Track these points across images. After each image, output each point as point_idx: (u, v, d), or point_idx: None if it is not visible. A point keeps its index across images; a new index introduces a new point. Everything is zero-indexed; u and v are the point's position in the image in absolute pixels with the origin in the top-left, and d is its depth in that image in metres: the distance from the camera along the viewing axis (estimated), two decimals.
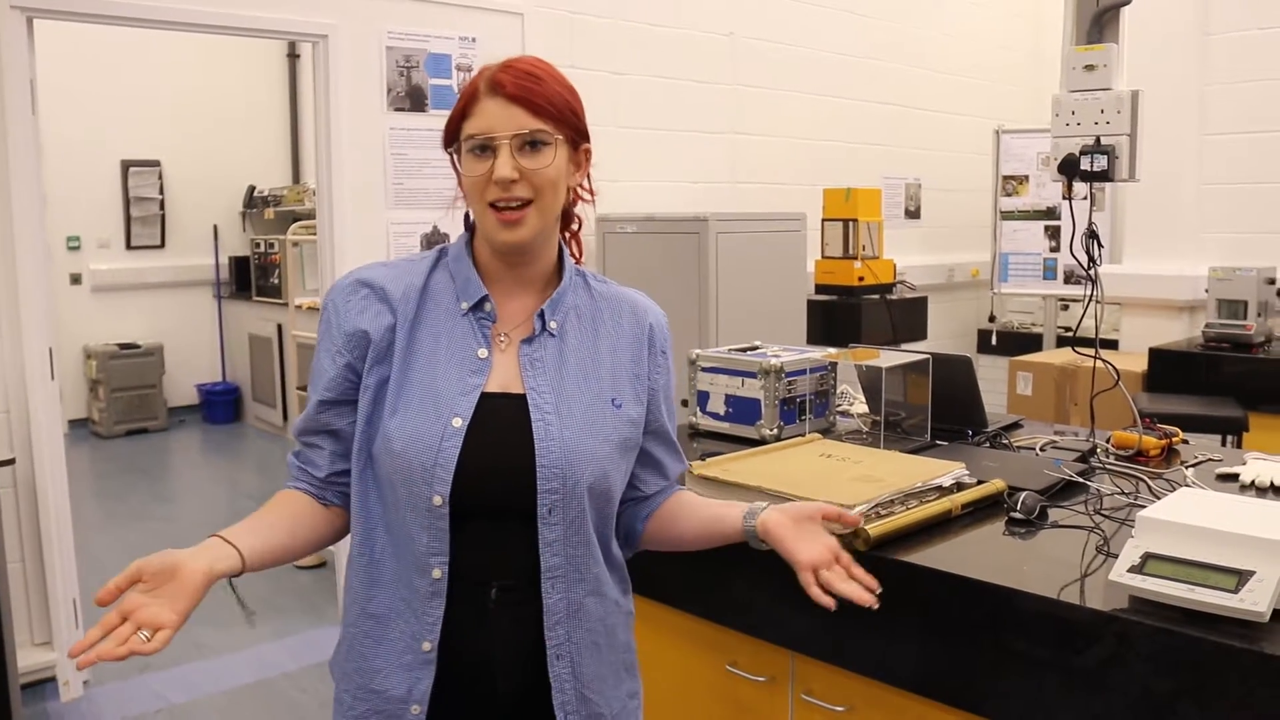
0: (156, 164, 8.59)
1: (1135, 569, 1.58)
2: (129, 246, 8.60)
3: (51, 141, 7.99)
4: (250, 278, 8.69)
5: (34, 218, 3.67)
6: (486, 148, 1.42)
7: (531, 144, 1.42)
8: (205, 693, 3.86)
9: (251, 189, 8.94)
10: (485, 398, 1.47)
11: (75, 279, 8.39)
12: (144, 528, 5.94)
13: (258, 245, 8.59)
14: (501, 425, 1.46)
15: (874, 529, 1.89)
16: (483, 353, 1.49)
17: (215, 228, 8.95)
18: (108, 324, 8.46)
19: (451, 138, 1.49)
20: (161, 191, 8.64)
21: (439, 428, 1.43)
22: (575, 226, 1.62)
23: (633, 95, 5.22)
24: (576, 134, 1.49)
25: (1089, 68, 2.40)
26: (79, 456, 7.78)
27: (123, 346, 8.34)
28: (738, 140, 5.77)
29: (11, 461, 3.52)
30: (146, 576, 1.31)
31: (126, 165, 8.47)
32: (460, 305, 1.51)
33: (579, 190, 1.57)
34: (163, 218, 8.69)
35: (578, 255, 1.63)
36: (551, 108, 1.43)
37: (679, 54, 5.42)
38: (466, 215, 1.55)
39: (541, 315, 1.52)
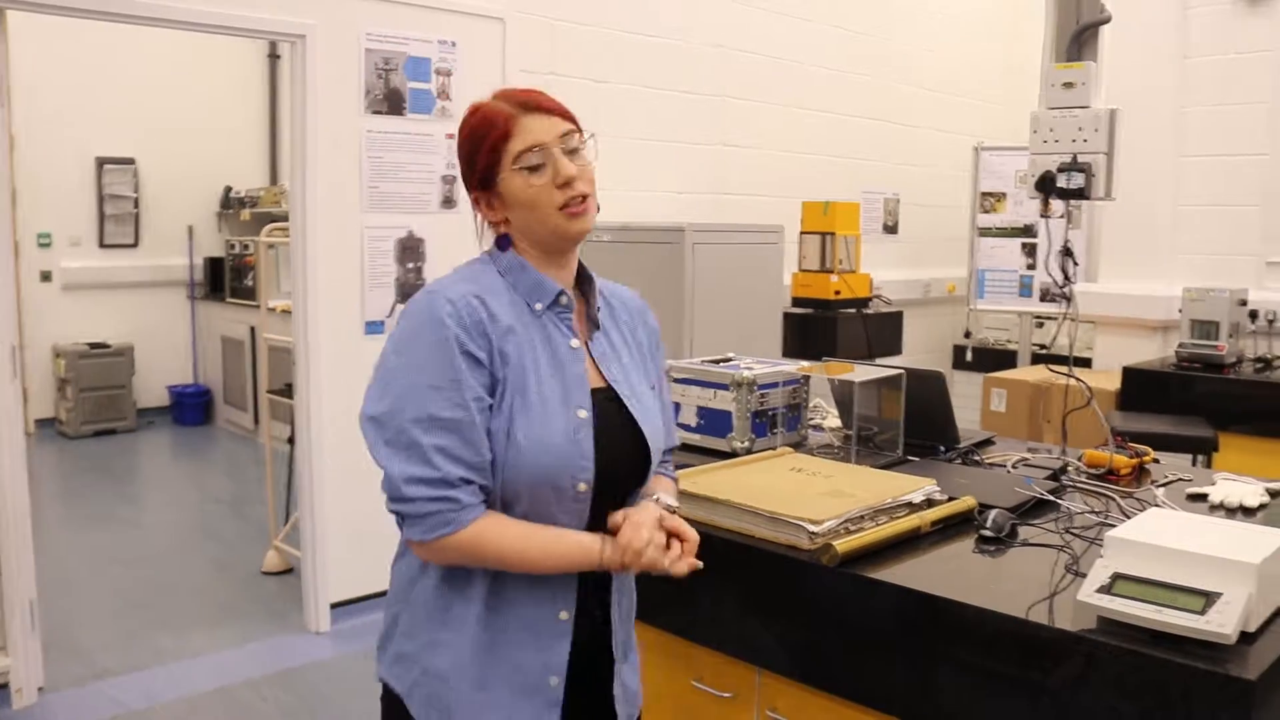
0: (132, 162, 8.51)
1: (1104, 589, 1.56)
2: (101, 245, 8.50)
3: (24, 136, 7.92)
4: (224, 279, 8.62)
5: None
6: (540, 163, 1.56)
7: (573, 149, 1.59)
8: (164, 699, 3.79)
9: (228, 189, 8.87)
10: (592, 392, 1.61)
11: (45, 276, 8.28)
12: (108, 529, 5.87)
13: (233, 246, 8.52)
14: (611, 415, 1.62)
15: (842, 545, 1.87)
16: (574, 343, 1.62)
17: (190, 228, 8.87)
18: (78, 323, 8.36)
19: (492, 168, 1.58)
20: (136, 190, 8.56)
21: (569, 423, 1.55)
22: None
23: (614, 103, 5.20)
24: (590, 137, 1.65)
25: (1068, 85, 2.40)
26: (45, 457, 7.69)
27: (92, 346, 8.25)
28: (720, 151, 5.76)
29: None
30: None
31: (101, 162, 8.39)
32: (534, 307, 1.61)
33: None
34: (137, 216, 8.60)
35: None
36: (571, 114, 1.62)
37: (663, 63, 5.41)
38: (498, 240, 1.65)
39: (594, 312, 1.68)
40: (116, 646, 4.23)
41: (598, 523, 1.57)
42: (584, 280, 1.70)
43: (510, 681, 1.57)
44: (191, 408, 8.74)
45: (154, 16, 3.83)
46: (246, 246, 8.21)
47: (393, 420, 1.49)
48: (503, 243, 1.64)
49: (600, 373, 1.65)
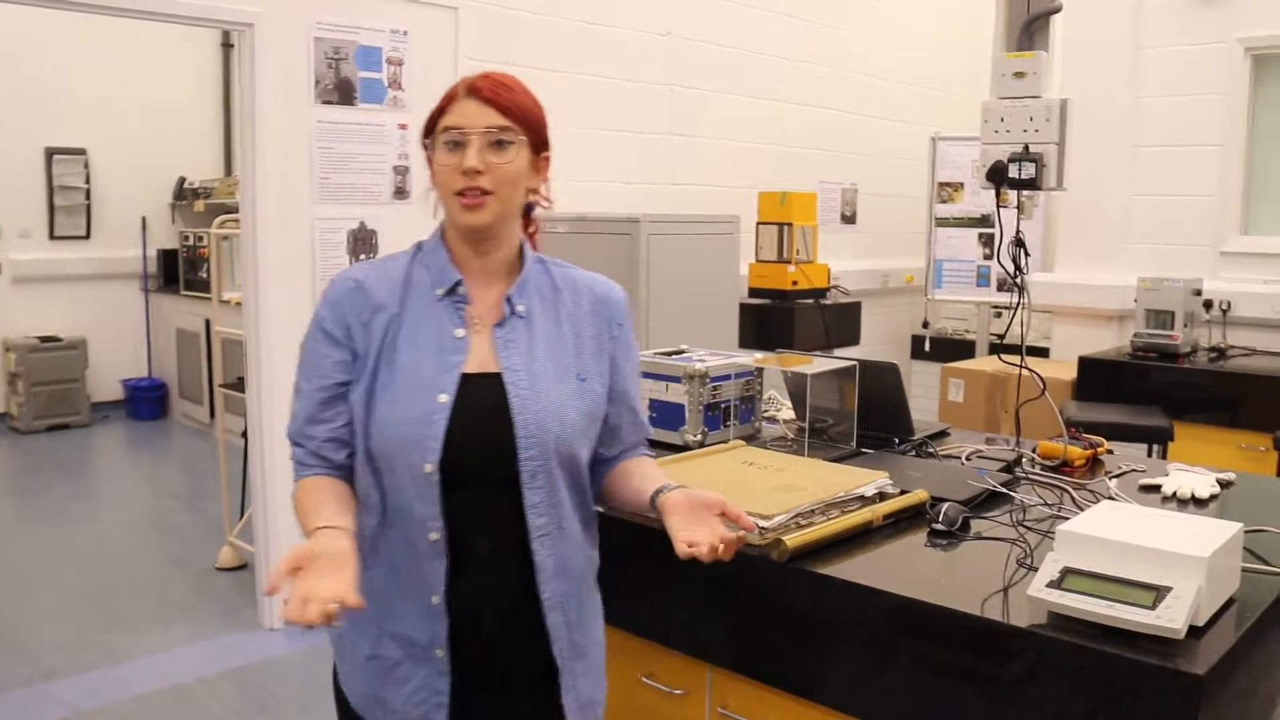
0: (83, 152, 8.34)
1: (1054, 584, 1.55)
2: (52, 236, 8.32)
3: None
4: (178, 271, 8.48)
5: None
6: (459, 142, 1.61)
7: (498, 143, 1.61)
8: (114, 700, 3.72)
9: (182, 180, 8.72)
10: (466, 377, 1.63)
11: None
12: (61, 527, 5.77)
13: (187, 238, 8.39)
14: (483, 401, 1.63)
15: (792, 540, 1.85)
16: (460, 332, 1.66)
17: (144, 219, 8.71)
18: (29, 316, 8.19)
19: (428, 132, 1.68)
20: (88, 181, 8.40)
21: (427, 403, 1.60)
22: (532, 229, 1.79)
23: (568, 94, 5.15)
24: (539, 140, 1.69)
25: (1019, 75, 2.38)
26: None
27: (43, 339, 8.09)
28: (673, 141, 5.73)
29: None
30: (303, 564, 1.43)
31: (51, 153, 8.22)
32: (436, 292, 1.68)
33: (534, 194, 1.74)
34: (88, 207, 8.44)
35: (535, 247, 1.79)
36: (519, 112, 1.65)
37: (615, 53, 5.37)
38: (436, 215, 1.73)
39: (509, 300, 1.69)
40: (66, 646, 4.15)
41: (457, 508, 1.61)
42: (523, 265, 1.73)
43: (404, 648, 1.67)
44: (146, 402, 8.60)
45: (99, 4, 3.75)
46: (200, 238, 8.08)
47: None
48: (436, 209, 1.71)
49: (497, 359, 1.67)
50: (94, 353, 8.38)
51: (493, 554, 1.65)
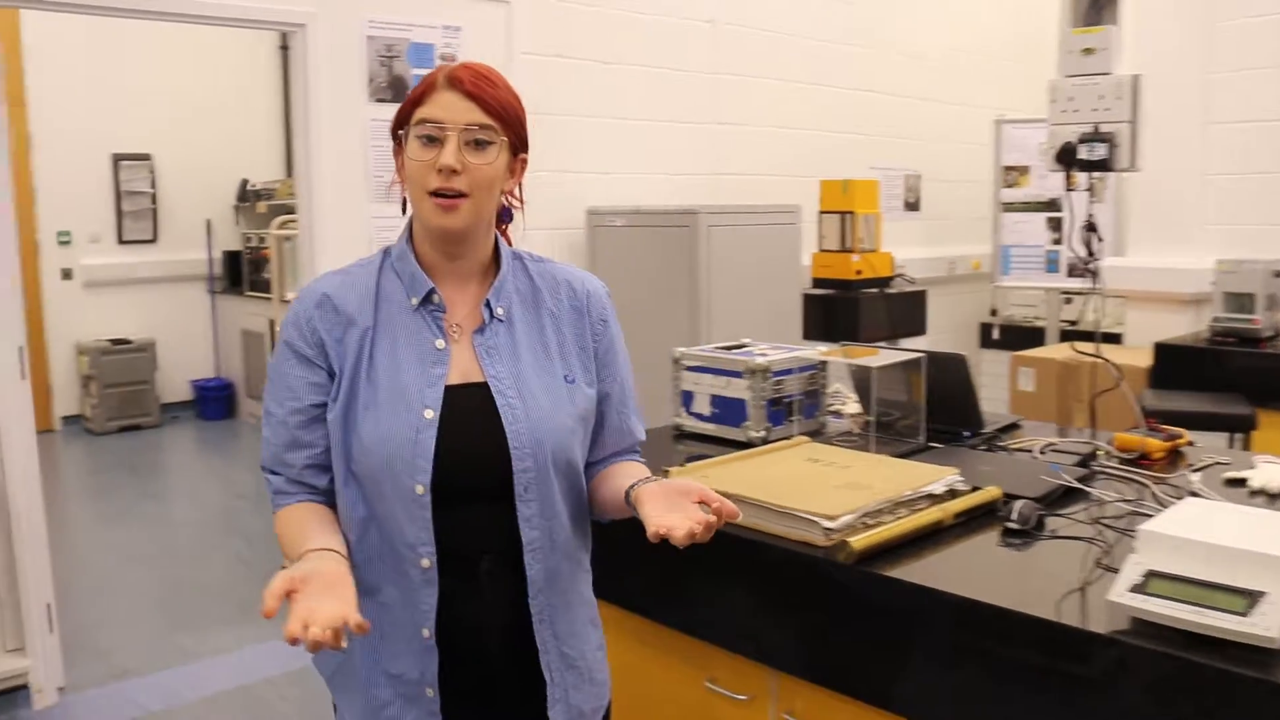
0: (148, 157, 8.46)
1: (1137, 588, 1.47)
2: (120, 241, 8.46)
3: (42, 136, 7.93)
4: (242, 272, 8.58)
5: (1, 212, 3.53)
6: (435, 137, 1.50)
7: (477, 142, 1.51)
8: (184, 700, 3.75)
9: (244, 182, 8.82)
10: (450, 389, 1.55)
11: (66, 274, 8.25)
12: (132, 527, 5.85)
13: (250, 239, 8.48)
14: (470, 413, 1.54)
15: (858, 541, 1.78)
16: (440, 343, 1.57)
17: (208, 222, 8.83)
18: (100, 320, 8.34)
19: (401, 122, 1.56)
20: (153, 185, 8.52)
21: (412, 421, 1.51)
22: (506, 223, 1.70)
23: (621, 85, 5.09)
24: (518, 141, 1.58)
25: (1087, 51, 2.28)
26: (72, 454, 7.71)
27: (114, 342, 8.23)
28: (724, 131, 5.63)
29: None
30: (296, 586, 1.33)
31: (118, 159, 8.34)
32: (410, 301, 1.58)
33: (510, 198, 1.66)
34: (154, 212, 8.56)
35: (509, 243, 1.70)
36: (501, 109, 1.53)
37: (662, 42, 5.29)
38: (403, 203, 1.61)
39: (488, 304, 1.60)
40: (137, 646, 4.20)
41: (449, 531, 1.53)
42: (499, 266, 1.64)
43: (394, 687, 1.59)
44: (214, 401, 8.71)
45: (153, 10, 3.77)
46: (263, 239, 8.16)
47: None
48: (405, 204, 1.61)
49: (481, 367, 1.58)
50: (163, 354, 8.51)
51: (487, 575, 1.56)
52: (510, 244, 1.69)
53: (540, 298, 1.66)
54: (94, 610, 4.60)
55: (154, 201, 8.54)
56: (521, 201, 1.69)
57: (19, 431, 3.62)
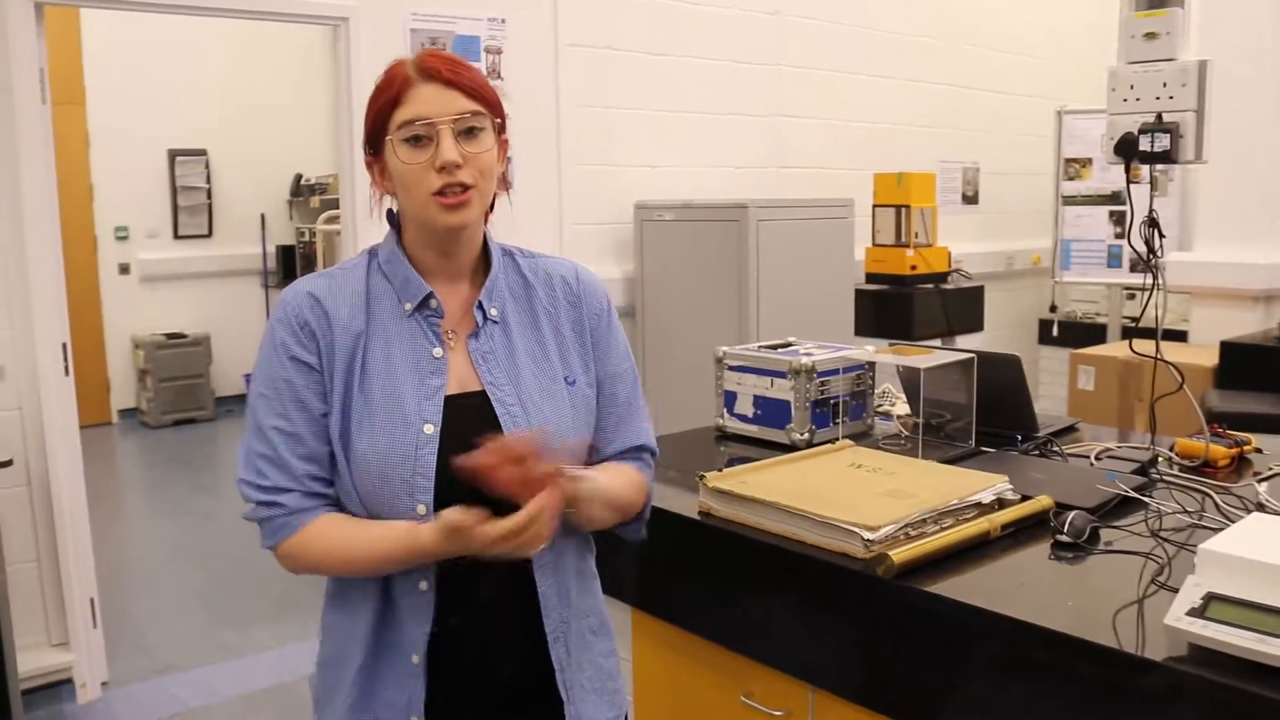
0: (203, 153, 8.54)
1: (1195, 612, 1.36)
2: (176, 236, 8.55)
3: (100, 133, 8.03)
4: (296, 267, 8.62)
5: (45, 209, 3.53)
6: (424, 136, 1.41)
7: (470, 129, 1.43)
8: (223, 696, 3.75)
9: (299, 177, 8.86)
10: (448, 400, 1.46)
11: (124, 269, 8.36)
12: (182, 521, 5.89)
13: (303, 234, 8.53)
14: (471, 425, 1.41)
15: (899, 554, 1.69)
16: (438, 352, 1.48)
17: (263, 216, 8.89)
18: (156, 314, 8.44)
19: (377, 134, 1.45)
20: (208, 180, 8.59)
21: (411, 437, 1.42)
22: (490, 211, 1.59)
23: (672, 77, 5.00)
24: (502, 122, 1.50)
25: (1149, 36, 2.16)
26: (128, 447, 7.81)
27: (169, 336, 8.31)
28: (783, 123, 5.53)
29: (9, 463, 3.40)
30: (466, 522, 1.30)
31: (173, 154, 8.43)
32: (404, 306, 1.49)
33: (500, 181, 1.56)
34: (210, 207, 8.64)
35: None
36: (482, 92, 1.45)
37: (719, 34, 5.20)
38: (389, 214, 1.54)
39: (480, 306, 1.52)
40: (182, 641, 4.22)
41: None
42: (488, 263, 1.55)
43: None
44: None
45: (193, 5, 3.77)
46: (315, 234, 8.20)
47: (246, 430, 1.48)
48: (391, 217, 1.53)
49: (478, 375, 1.49)
50: (217, 348, 8.58)
51: (489, 596, 1.48)
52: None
53: (534, 294, 1.57)
54: (142, 604, 4.63)
55: (209, 196, 8.62)
56: (507, 185, 1.59)
57: (63, 428, 3.63)
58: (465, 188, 1.42)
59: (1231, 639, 1.32)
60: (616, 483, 1.55)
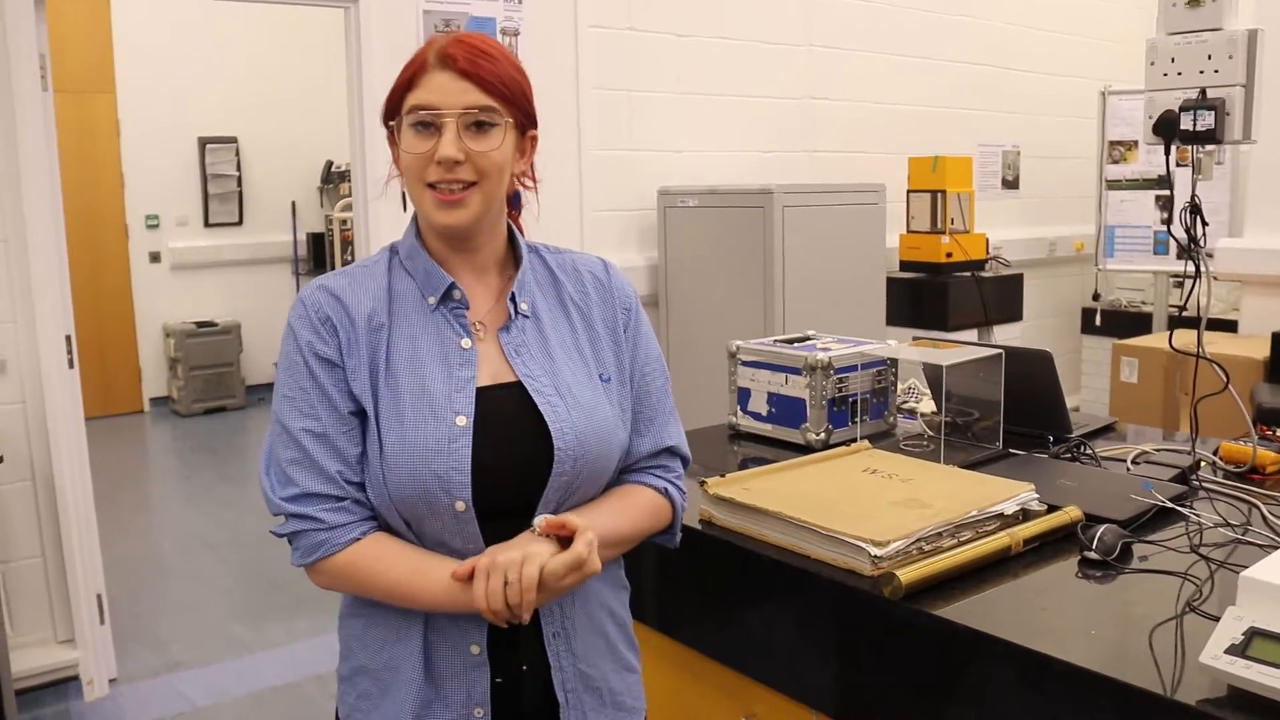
0: (233, 140, 8.49)
1: (1236, 649, 1.21)
2: (207, 224, 8.52)
3: (130, 121, 8.00)
4: (326, 254, 8.56)
5: (47, 199, 3.45)
6: (430, 124, 1.34)
7: (479, 124, 1.35)
8: (230, 695, 3.66)
9: (329, 164, 8.79)
10: (480, 392, 1.39)
11: (154, 257, 8.34)
12: (204, 511, 5.83)
13: (333, 221, 8.46)
14: (507, 417, 1.38)
15: (907, 574, 1.54)
16: (466, 343, 1.41)
17: (293, 204, 8.84)
18: (187, 302, 8.42)
19: (392, 111, 1.40)
20: (239, 168, 8.55)
21: (443, 430, 1.34)
22: (517, 210, 1.54)
23: (696, 59, 4.84)
24: (526, 118, 1.42)
25: (1193, 3, 1.97)
26: (157, 435, 7.80)
27: (200, 325, 8.28)
28: (813, 106, 5.35)
29: None
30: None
31: (204, 142, 8.38)
32: (428, 301, 1.43)
33: (521, 179, 1.49)
34: (240, 194, 8.59)
35: (522, 232, 1.54)
36: (504, 87, 1.37)
37: (747, 13, 5.02)
38: (406, 207, 1.48)
39: (513, 298, 1.45)
40: (194, 637, 4.15)
41: (496, 543, 1.35)
42: (516, 257, 1.49)
43: None
44: None
45: None
46: (344, 221, 8.12)
47: (268, 438, 1.41)
48: (405, 200, 1.45)
49: (511, 367, 1.42)
50: (248, 337, 8.54)
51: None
52: (523, 233, 1.53)
53: (562, 289, 1.51)
54: (158, 597, 4.57)
55: (239, 184, 8.58)
56: (535, 181, 1.51)
57: (67, 422, 3.55)
58: (465, 185, 1.35)
59: (1277, 683, 1.16)
60: (615, 521, 1.45)
